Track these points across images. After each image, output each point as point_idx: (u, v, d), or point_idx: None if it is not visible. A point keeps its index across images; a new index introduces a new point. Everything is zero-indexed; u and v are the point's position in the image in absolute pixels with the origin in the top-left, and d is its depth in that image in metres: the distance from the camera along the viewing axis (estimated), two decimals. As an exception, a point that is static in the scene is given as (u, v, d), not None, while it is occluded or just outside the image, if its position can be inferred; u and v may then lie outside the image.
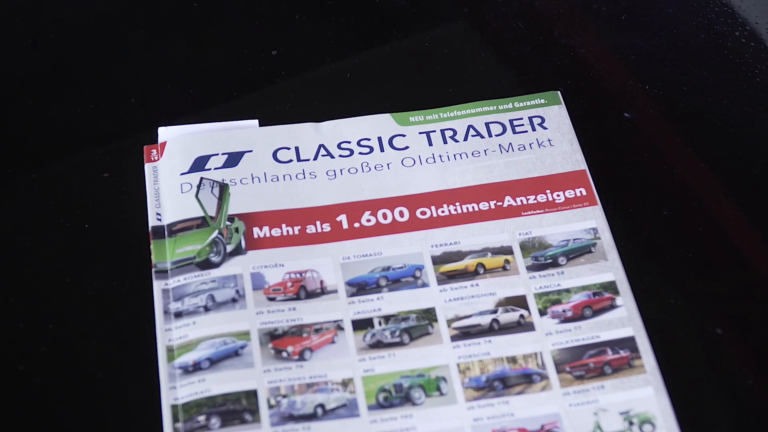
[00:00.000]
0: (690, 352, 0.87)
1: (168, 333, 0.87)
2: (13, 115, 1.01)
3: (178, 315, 0.88)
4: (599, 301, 0.89)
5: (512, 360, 0.86)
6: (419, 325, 0.88)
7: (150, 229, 0.92)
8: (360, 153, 0.97)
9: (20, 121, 1.00)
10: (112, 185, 0.96)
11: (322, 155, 0.96)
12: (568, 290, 0.89)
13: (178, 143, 0.96)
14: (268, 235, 0.92)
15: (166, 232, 0.92)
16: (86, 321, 0.89)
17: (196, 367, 0.86)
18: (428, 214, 0.93)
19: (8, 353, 0.88)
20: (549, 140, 0.97)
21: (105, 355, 0.87)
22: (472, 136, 0.98)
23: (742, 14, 1.05)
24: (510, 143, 0.97)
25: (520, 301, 0.89)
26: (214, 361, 0.86)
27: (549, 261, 0.91)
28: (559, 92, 1.00)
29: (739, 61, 1.03)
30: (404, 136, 0.98)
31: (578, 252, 0.91)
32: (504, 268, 0.91)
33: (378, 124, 0.98)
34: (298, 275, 0.90)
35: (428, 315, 0.88)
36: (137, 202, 0.94)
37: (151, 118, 0.99)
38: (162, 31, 1.06)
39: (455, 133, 0.98)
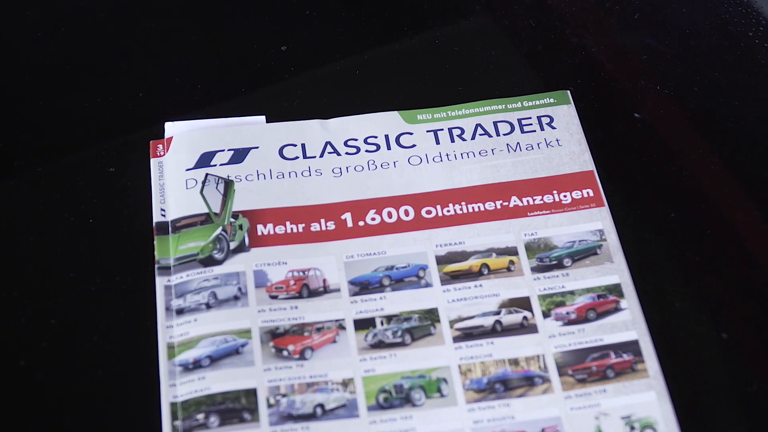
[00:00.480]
0: (694, 357, 0.86)
1: (169, 330, 0.87)
2: (20, 108, 1.00)
3: (180, 312, 0.88)
4: (603, 303, 0.88)
5: (514, 362, 0.86)
6: (421, 326, 0.87)
7: (154, 224, 0.92)
8: (367, 151, 0.96)
9: (27, 114, 1.00)
10: (118, 180, 0.95)
11: (329, 152, 0.96)
12: (572, 292, 0.88)
13: (185, 139, 0.96)
14: (272, 232, 0.91)
15: (170, 228, 0.92)
16: (88, 316, 0.89)
17: (196, 365, 0.85)
18: (433, 214, 0.93)
19: (10, 348, 0.88)
20: (557, 140, 0.96)
21: (106, 351, 0.87)
22: (480, 135, 0.97)
23: (756, 15, 1.04)
24: (518, 143, 0.96)
25: (523, 303, 0.88)
26: (214, 359, 0.86)
27: (554, 262, 0.90)
28: (568, 92, 0.99)
29: (752, 62, 1.02)
30: (411, 134, 0.97)
31: (584, 254, 0.90)
32: (508, 269, 0.90)
33: (385, 122, 0.98)
34: (301, 273, 0.89)
35: (431, 315, 0.88)
36: (142, 198, 0.94)
37: (159, 113, 0.99)
38: (171, 25, 1.06)
39: (463, 131, 0.97)
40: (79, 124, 0.99)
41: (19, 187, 0.95)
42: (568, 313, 0.88)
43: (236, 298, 0.88)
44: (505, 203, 0.93)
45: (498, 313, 0.88)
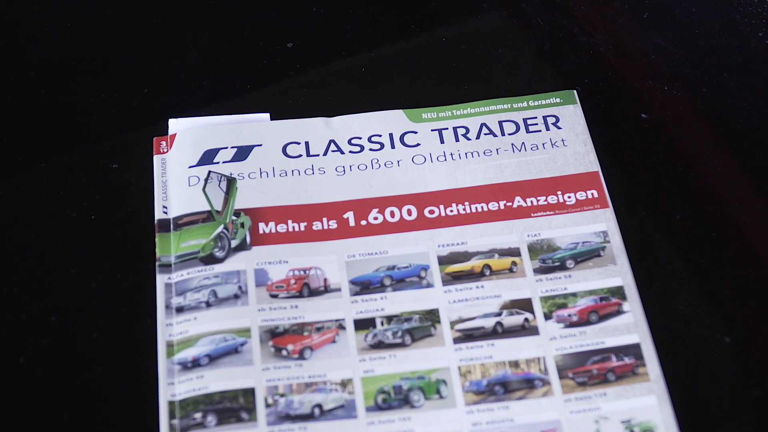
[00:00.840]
0: (696, 361, 0.85)
1: (169, 328, 0.87)
2: (24, 103, 1.00)
3: (180, 310, 0.87)
4: (606, 306, 0.87)
5: (514, 364, 0.85)
6: (422, 326, 0.87)
7: (156, 222, 0.92)
8: (370, 149, 0.96)
9: (31, 110, 1.00)
10: (121, 177, 0.95)
11: (332, 151, 0.95)
12: (574, 294, 0.88)
13: (188, 136, 0.96)
14: (273, 230, 0.91)
15: (171, 226, 0.91)
16: (88, 314, 0.88)
17: (195, 364, 0.85)
18: (436, 213, 0.92)
19: (9, 344, 0.87)
20: (562, 140, 0.96)
21: (106, 348, 0.87)
22: (485, 134, 0.96)
23: (766, 15, 1.03)
24: (523, 142, 0.95)
25: (525, 304, 0.88)
26: (213, 358, 0.85)
27: (557, 264, 0.89)
28: (575, 91, 0.98)
29: (761, 63, 1.01)
30: (416, 133, 0.96)
31: (587, 255, 0.90)
32: (511, 270, 0.89)
33: (390, 120, 0.97)
34: (301, 272, 0.89)
35: (431, 316, 0.87)
36: (145, 195, 0.93)
37: (163, 109, 0.98)
38: (177, 22, 1.05)
39: (468, 131, 0.96)
40: (83, 120, 0.99)
41: (22, 182, 0.95)
42: (569, 316, 0.87)
43: (236, 296, 0.88)
44: (509, 203, 0.92)
45: (499, 314, 0.87)
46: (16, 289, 0.90)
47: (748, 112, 0.98)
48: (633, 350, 0.85)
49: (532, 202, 0.92)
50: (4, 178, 0.95)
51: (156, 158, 0.95)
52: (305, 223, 0.91)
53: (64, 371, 0.86)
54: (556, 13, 1.05)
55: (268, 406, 0.83)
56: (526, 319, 0.87)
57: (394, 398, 0.84)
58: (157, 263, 0.90)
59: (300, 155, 0.95)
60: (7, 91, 1.01)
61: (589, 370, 0.84)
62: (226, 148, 0.95)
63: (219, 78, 1.01)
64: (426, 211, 0.92)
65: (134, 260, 0.90)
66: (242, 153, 0.95)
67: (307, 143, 0.96)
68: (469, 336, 0.86)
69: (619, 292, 0.88)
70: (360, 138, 0.96)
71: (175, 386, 0.84)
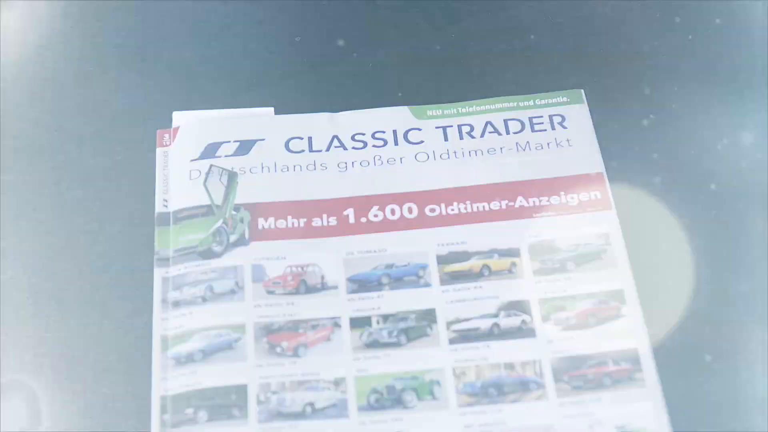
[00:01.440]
0: (693, 368, 0.84)
1: (164, 322, 0.87)
2: (28, 96, 1.00)
3: (176, 304, 0.87)
4: (604, 309, 0.86)
5: (510, 367, 0.84)
6: (418, 326, 0.86)
7: (155, 215, 0.91)
8: (374, 146, 0.95)
9: (35, 101, 0.99)
10: (124, 169, 0.95)
11: (335, 146, 0.95)
12: (573, 297, 0.87)
13: (191, 129, 0.95)
14: (273, 226, 0.91)
15: (171, 219, 0.91)
16: (85, 307, 0.88)
17: (188, 359, 0.85)
18: (437, 212, 0.91)
19: (5, 338, 0.87)
20: (568, 140, 0.95)
21: (101, 342, 0.87)
22: (490, 132, 0.95)
23: (779, 16, 1.02)
24: (527, 142, 0.95)
25: (523, 306, 0.87)
26: (207, 353, 0.85)
27: (557, 266, 0.88)
28: (582, 91, 0.97)
29: (773, 64, 1.00)
30: (420, 130, 0.96)
31: (587, 258, 0.89)
32: (510, 271, 0.89)
33: (394, 117, 0.96)
34: (299, 269, 0.89)
35: (428, 316, 0.87)
36: (146, 187, 0.93)
37: (168, 102, 0.98)
38: (183, 16, 1.05)
39: (472, 128, 0.96)
40: (87, 111, 0.99)
41: (24, 174, 0.95)
42: (567, 318, 0.86)
43: (233, 292, 0.88)
44: (511, 203, 0.91)
45: (496, 315, 0.86)
46: (14, 281, 0.89)
47: (756, 115, 0.97)
48: (630, 355, 0.84)
49: (534, 202, 0.91)
50: (5, 170, 0.95)
51: (158, 151, 0.95)
52: (305, 219, 0.91)
53: (59, 365, 0.86)
54: (565, 11, 1.04)
55: (260, 403, 0.83)
56: (524, 321, 0.86)
57: (387, 398, 0.83)
58: (155, 257, 0.89)
59: (302, 150, 0.94)
60: (11, 81, 1.01)
61: (584, 374, 0.84)
62: (229, 142, 0.95)
63: (224, 71, 1.01)
64: (427, 210, 0.91)
65: (133, 253, 0.90)
66: (245, 147, 0.94)
67: (310, 138, 0.95)
68: (465, 337, 0.86)
69: (618, 296, 0.87)
70: (364, 134, 0.95)
71: (168, 381, 0.84)
